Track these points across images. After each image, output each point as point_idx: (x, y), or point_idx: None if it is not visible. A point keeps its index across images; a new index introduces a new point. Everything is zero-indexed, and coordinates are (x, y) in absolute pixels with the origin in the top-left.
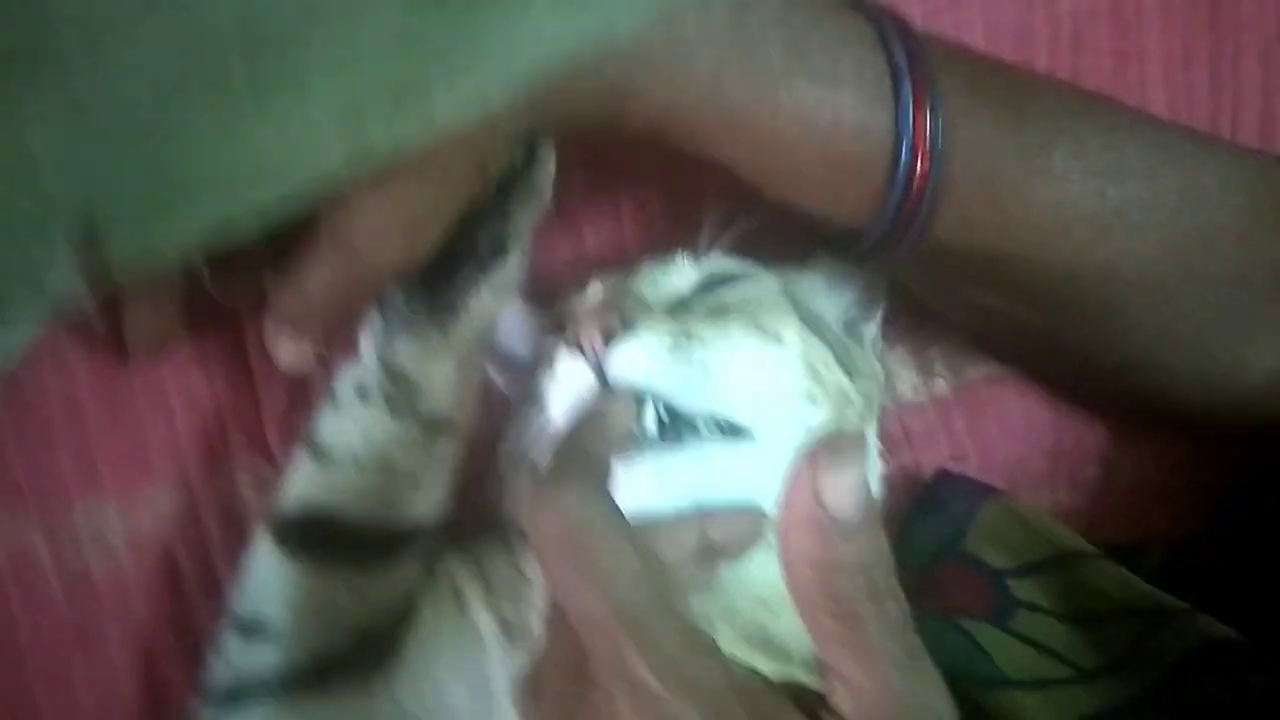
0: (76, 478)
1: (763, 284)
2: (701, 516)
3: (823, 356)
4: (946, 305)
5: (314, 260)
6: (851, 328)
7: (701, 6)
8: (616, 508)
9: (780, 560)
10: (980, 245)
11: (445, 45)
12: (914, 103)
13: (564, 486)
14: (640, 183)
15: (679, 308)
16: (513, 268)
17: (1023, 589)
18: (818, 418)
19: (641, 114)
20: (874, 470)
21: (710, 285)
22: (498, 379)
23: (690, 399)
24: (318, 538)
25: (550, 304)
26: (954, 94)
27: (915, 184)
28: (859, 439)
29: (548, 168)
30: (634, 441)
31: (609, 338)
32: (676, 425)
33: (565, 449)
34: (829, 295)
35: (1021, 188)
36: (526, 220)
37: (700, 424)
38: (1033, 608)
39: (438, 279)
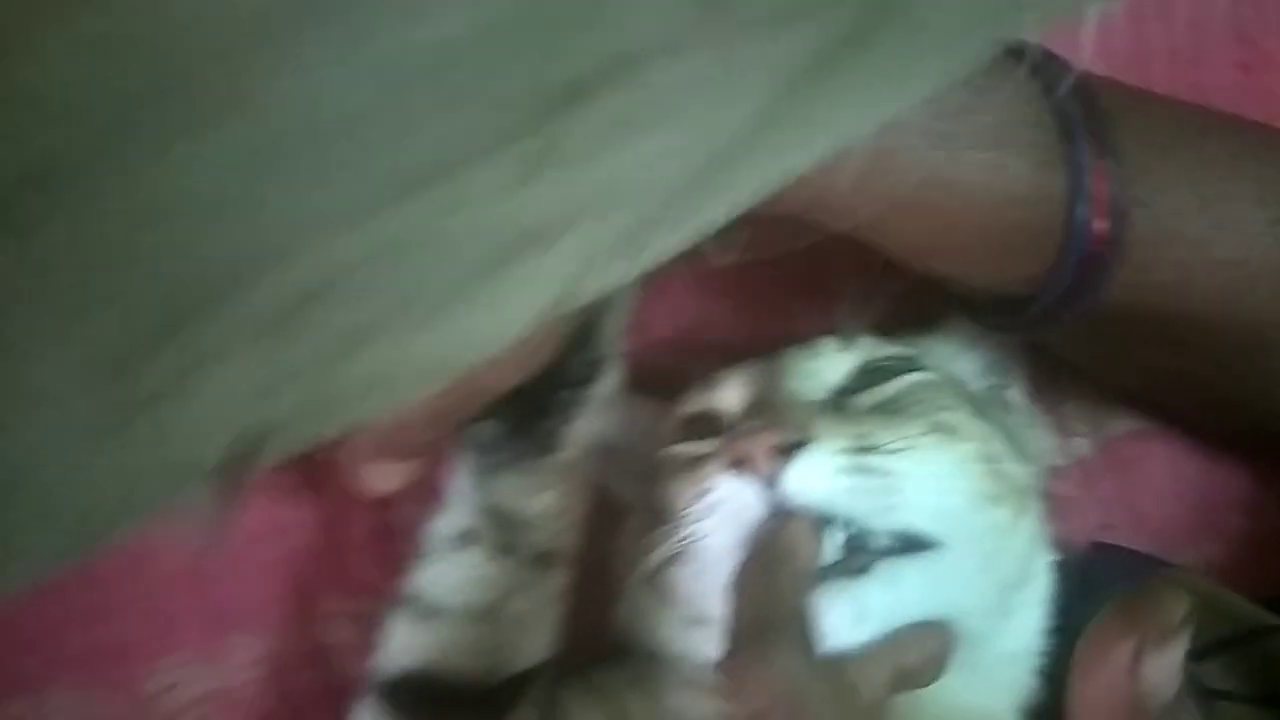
0: (151, 638)
1: (923, 370)
2: (893, 646)
3: (1001, 449)
4: (1107, 369)
5: None
6: (997, 396)
7: None
8: (826, 666)
9: None
10: (1156, 307)
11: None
12: (1090, 159)
13: (772, 652)
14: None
15: (843, 406)
16: (609, 381)
17: (1209, 674)
18: (1001, 517)
19: (795, 197)
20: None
21: (868, 375)
22: (608, 479)
23: (876, 516)
24: (423, 702)
25: (652, 386)
26: (1130, 145)
27: (1093, 247)
28: (1184, 608)
29: None
30: (821, 573)
31: (782, 454)
32: (862, 546)
33: (757, 598)
34: (965, 362)
35: (1204, 244)
36: (616, 331)
37: (885, 540)
38: (1222, 695)
39: (532, 407)
